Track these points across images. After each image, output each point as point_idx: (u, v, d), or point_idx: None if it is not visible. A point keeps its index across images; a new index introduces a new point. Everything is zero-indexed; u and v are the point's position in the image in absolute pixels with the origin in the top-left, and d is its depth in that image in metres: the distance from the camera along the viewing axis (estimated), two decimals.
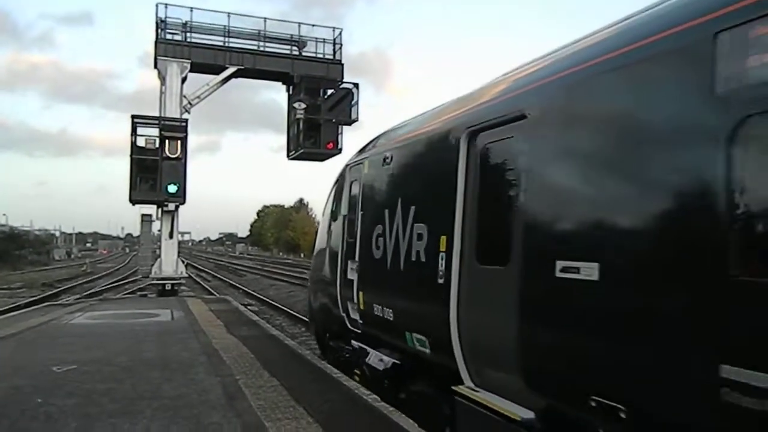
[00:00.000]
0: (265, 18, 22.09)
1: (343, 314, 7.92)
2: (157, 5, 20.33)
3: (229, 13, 21.23)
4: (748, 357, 2.61)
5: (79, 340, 10.09)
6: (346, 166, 8.57)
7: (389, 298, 6.48)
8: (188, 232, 76.98)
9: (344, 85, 21.42)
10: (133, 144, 19.03)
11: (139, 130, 19.25)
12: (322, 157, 21.66)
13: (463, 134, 5.19)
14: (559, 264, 3.78)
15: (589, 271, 3.54)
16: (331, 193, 9.27)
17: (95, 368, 7.66)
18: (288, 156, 22.04)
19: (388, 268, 6.43)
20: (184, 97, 20.25)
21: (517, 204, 4.40)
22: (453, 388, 5.04)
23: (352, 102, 21.15)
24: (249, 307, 18.45)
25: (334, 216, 8.85)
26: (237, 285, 32.43)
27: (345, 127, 21.25)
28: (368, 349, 7.31)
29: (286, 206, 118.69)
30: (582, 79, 3.98)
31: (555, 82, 4.26)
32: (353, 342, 7.82)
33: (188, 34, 20.63)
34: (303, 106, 20.37)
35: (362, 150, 8.26)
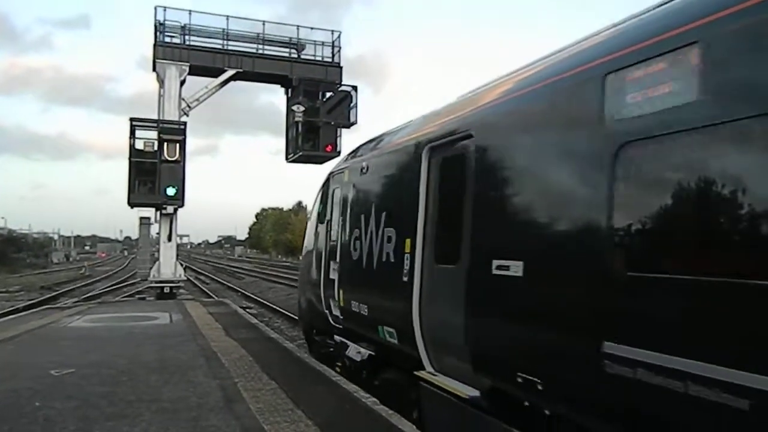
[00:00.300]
0: (263, 21, 22.16)
1: (326, 311, 8.52)
2: (155, 8, 20.38)
3: (227, 16, 21.30)
4: (624, 336, 3.32)
5: (78, 343, 10.08)
6: (330, 173, 9.26)
7: (364, 295, 7.17)
8: (187, 235, 77.16)
9: (343, 88, 21.44)
10: (132, 147, 19.03)
11: (138, 133, 19.24)
12: (320, 160, 21.65)
13: (424, 149, 5.88)
14: (495, 263, 4.46)
15: (516, 268, 4.23)
16: (317, 197, 9.88)
17: (94, 371, 7.65)
18: (287, 159, 22.05)
19: (364, 268, 7.10)
20: (183, 99, 20.27)
21: (464, 211, 5.09)
22: (415, 373, 5.72)
23: (351, 105, 21.17)
24: (248, 309, 18.45)
25: (320, 219, 9.47)
26: (235, 288, 32.42)
27: (344, 130, 21.30)
28: (348, 342, 7.89)
29: (284, 209, 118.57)
30: (509, 105, 4.77)
31: (491, 107, 5.08)
32: (335, 336, 8.44)
33: (187, 37, 20.65)
34: (302, 108, 20.38)
35: (345, 159, 8.97)
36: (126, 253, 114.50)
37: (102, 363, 8.20)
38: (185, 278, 23.49)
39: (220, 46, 20.92)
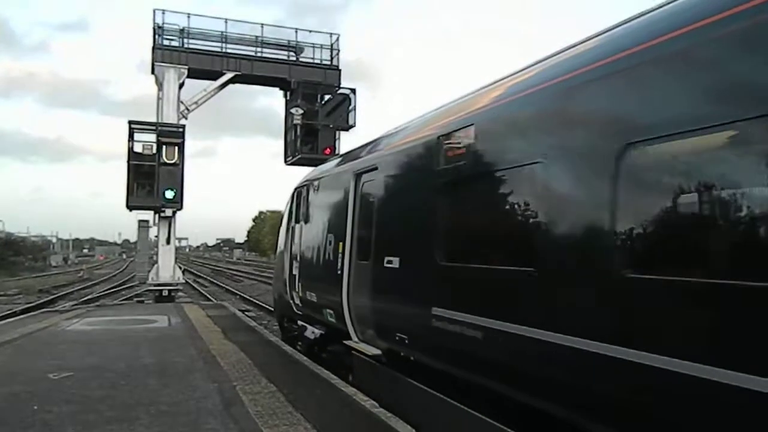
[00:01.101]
0: (262, 24, 22.22)
1: (291, 301, 10.55)
2: (154, 11, 20.42)
3: (226, 19, 21.32)
4: (442, 302, 5.26)
5: (76, 346, 10.06)
6: (295, 188, 11.09)
7: (315, 286, 9.20)
8: (185, 238, 76.83)
9: (341, 91, 21.47)
10: (131, 150, 19.00)
11: (137, 136, 19.22)
12: (319, 163, 21.63)
13: (353, 175, 7.97)
14: (386, 259, 6.50)
15: (396, 262, 6.30)
16: (286, 207, 11.87)
17: (92, 375, 7.64)
18: (285, 161, 22.05)
19: (314, 265, 9.26)
20: (182, 102, 20.27)
21: (373, 221, 7.08)
22: (344, 342, 7.79)
23: (350, 107, 21.19)
24: (246, 312, 18.42)
25: (287, 226, 11.44)
26: (234, 290, 32.36)
27: (342, 132, 21.31)
28: (306, 325, 9.94)
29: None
30: (394, 154, 6.96)
31: (389, 150, 7.19)
32: (298, 322, 10.48)
33: (185, 40, 20.68)
34: (300, 111, 20.39)
35: (306, 177, 10.89)
36: (124, 256, 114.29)
37: (100, 366, 8.19)
38: (184, 281, 23.44)
39: (218, 49, 20.93)
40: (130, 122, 19.29)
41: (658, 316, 3.16)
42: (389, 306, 6.61)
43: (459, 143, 5.42)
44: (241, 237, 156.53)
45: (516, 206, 4.80)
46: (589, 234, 3.78)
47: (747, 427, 2.64)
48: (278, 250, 12.40)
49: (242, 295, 29.22)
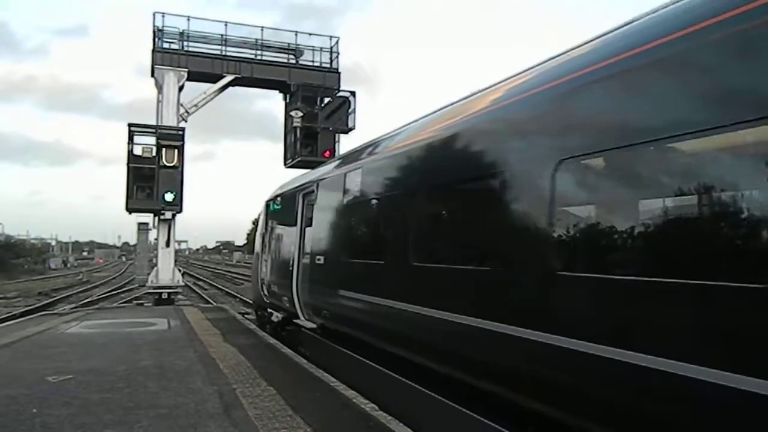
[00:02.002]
0: (262, 27, 22.25)
1: (261, 293, 13.22)
2: (154, 14, 20.47)
3: (226, 22, 21.36)
4: (348, 286, 7.72)
5: (75, 349, 10.05)
6: (266, 201, 13.71)
7: (277, 281, 11.68)
8: (185, 241, 77.15)
9: (341, 94, 21.48)
10: (130, 152, 19.00)
11: (136, 139, 19.22)
12: (318, 166, 21.66)
13: (300, 193, 10.66)
14: (318, 257, 9.04)
15: (322, 260, 8.84)
16: (260, 216, 14.75)
17: (91, 378, 7.63)
18: (285, 164, 22.05)
19: (277, 264, 11.85)
20: (181, 105, 20.28)
21: (313, 229, 9.65)
22: (294, 321, 10.64)
23: (349, 110, 21.20)
24: (246, 315, 18.37)
25: (261, 232, 14.08)
26: (234, 293, 32.34)
27: (342, 135, 21.32)
28: (273, 312, 12.42)
29: None
30: (325, 179, 9.60)
31: (323, 176, 9.93)
32: (267, 309, 13.00)
33: (185, 43, 20.70)
34: (300, 114, 20.40)
35: (274, 192, 13.33)
36: (124, 258, 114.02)
37: (100, 369, 8.18)
38: (183, 284, 23.42)
39: (218, 52, 20.96)
40: (129, 125, 19.28)
41: (583, 307, 3.79)
42: (319, 292, 9.12)
43: (356, 180, 8.04)
44: (240, 239, 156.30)
45: (389, 215, 6.91)
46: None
47: (640, 394, 3.25)
48: (255, 252, 15.60)
49: (242, 297, 29.15)
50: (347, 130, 21.20)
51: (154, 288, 20.24)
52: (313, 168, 13.14)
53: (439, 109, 6.70)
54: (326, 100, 21.35)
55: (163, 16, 20.54)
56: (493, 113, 5.22)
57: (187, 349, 9.99)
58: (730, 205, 3.11)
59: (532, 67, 5.11)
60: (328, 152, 20.39)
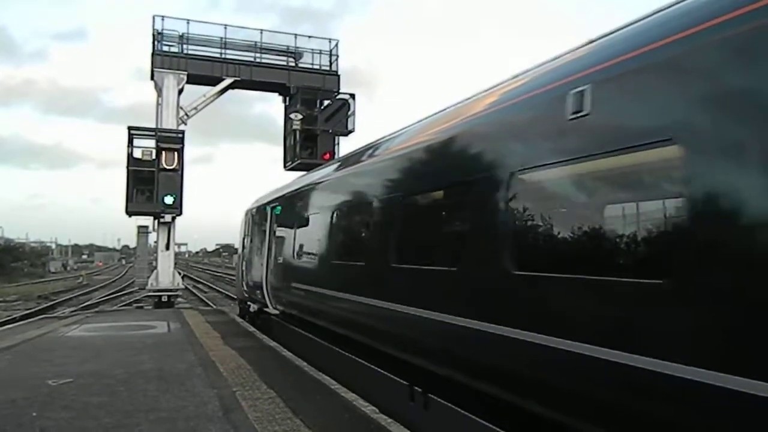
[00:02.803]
0: (261, 30, 22.24)
1: (242, 288, 16.29)
2: (153, 17, 20.47)
3: (225, 25, 21.38)
4: (295, 279, 10.66)
5: (75, 352, 10.04)
6: (245, 211, 16.46)
7: (252, 278, 14.25)
8: (185, 244, 77.10)
9: (340, 96, 21.49)
10: (130, 155, 18.99)
11: (136, 142, 19.20)
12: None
13: (269, 206, 13.02)
14: (278, 258, 11.79)
15: (282, 259, 11.53)
16: (241, 225, 17.06)
17: (91, 381, 7.63)
18: (285, 167, 22.06)
19: (252, 264, 14.51)
20: (181, 108, 20.28)
21: (276, 237, 12.21)
22: (264, 309, 12.98)
23: (349, 112, 21.21)
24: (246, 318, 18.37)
25: (241, 238, 16.82)
26: (234, 296, 32.28)
27: (341, 138, 21.33)
28: (251, 304, 14.90)
29: None
30: (282, 198, 12.44)
31: (283, 194, 12.47)
32: (247, 302, 15.58)
33: (185, 46, 20.71)
34: (300, 116, 20.40)
35: (251, 203, 15.93)
36: (124, 262, 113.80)
37: (100, 373, 8.18)
38: (183, 287, 23.41)
39: (218, 55, 20.98)
40: (129, 128, 19.28)
41: (533, 301, 4.24)
42: (280, 285, 11.70)
43: (302, 200, 10.95)
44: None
45: (320, 228, 9.18)
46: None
47: (576, 372, 3.72)
48: (237, 256, 20.63)
49: None
50: (347, 133, 21.21)
51: (154, 291, 20.22)
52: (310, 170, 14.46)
53: (371, 145, 8.50)
54: (326, 102, 21.36)
55: (162, 20, 20.58)
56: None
57: (187, 352, 9.98)
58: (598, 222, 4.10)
59: (465, 99, 6.10)
60: (327, 154, 20.37)
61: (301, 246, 10.41)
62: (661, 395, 3.17)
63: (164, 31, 20.56)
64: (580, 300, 3.82)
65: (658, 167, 3.60)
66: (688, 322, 3.05)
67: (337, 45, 22.17)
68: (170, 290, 20.29)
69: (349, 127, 21.12)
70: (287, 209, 11.79)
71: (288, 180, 14.35)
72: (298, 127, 20.54)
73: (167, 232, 20.03)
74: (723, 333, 2.92)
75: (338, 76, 21.89)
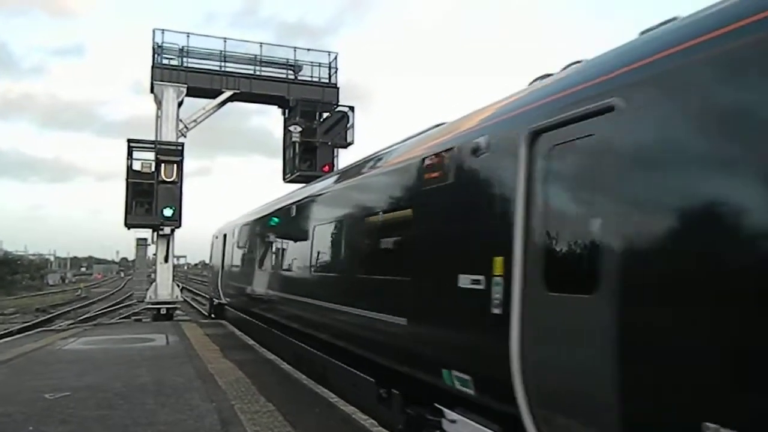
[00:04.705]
0: (260, 43, 22.36)
1: (211, 289, 23.74)
2: (153, 31, 20.59)
3: (225, 38, 21.50)
4: (232, 279, 17.65)
5: (73, 366, 9.99)
6: (213, 235, 21.79)
7: (214, 280, 20.99)
8: (184, 256, 76.70)
9: (340, 108, 21.56)
10: (129, 168, 19.01)
11: (135, 154, 19.23)
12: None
13: (226, 231, 19.13)
14: (225, 267, 18.65)
15: (238, 269, 16.66)
16: (212, 243, 21.98)
17: (89, 395, 7.58)
18: (284, 179, 22.07)
19: (214, 271, 21.04)
20: (181, 121, 20.33)
21: (227, 254, 18.55)
22: (219, 301, 20.58)
23: (348, 125, 21.26)
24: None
25: (211, 254, 22.20)
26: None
27: (340, 150, 21.37)
28: (215, 299, 21.43)
29: None
30: (237, 226, 17.40)
31: (234, 224, 18.00)
32: (213, 299, 21.97)
33: (185, 59, 20.81)
34: (299, 129, 20.46)
35: (218, 228, 21.00)
36: (122, 274, 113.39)
37: (97, 386, 8.13)
38: (182, 299, 23.34)
39: (217, 68, 21.07)
40: (129, 140, 19.32)
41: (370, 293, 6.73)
42: (228, 284, 17.36)
43: (239, 231, 16.64)
44: None
45: (251, 247, 15.03)
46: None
47: (386, 334, 6.05)
48: (210, 267, 26.04)
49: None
50: (346, 145, 21.26)
51: (153, 303, 20.17)
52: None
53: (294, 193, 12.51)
54: (325, 114, 21.42)
55: (162, 33, 20.70)
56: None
57: (186, 365, 9.93)
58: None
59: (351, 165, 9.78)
60: (327, 167, 20.39)
61: (237, 259, 16.75)
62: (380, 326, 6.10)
63: (164, 45, 20.68)
64: (373, 288, 6.53)
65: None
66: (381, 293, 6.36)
67: (336, 58, 22.32)
68: (169, 303, 20.23)
69: (349, 140, 21.17)
70: (232, 237, 17.43)
71: (276, 196, 16.09)
72: (298, 140, 20.59)
73: (166, 244, 20.00)
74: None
75: (337, 88, 22.00)
